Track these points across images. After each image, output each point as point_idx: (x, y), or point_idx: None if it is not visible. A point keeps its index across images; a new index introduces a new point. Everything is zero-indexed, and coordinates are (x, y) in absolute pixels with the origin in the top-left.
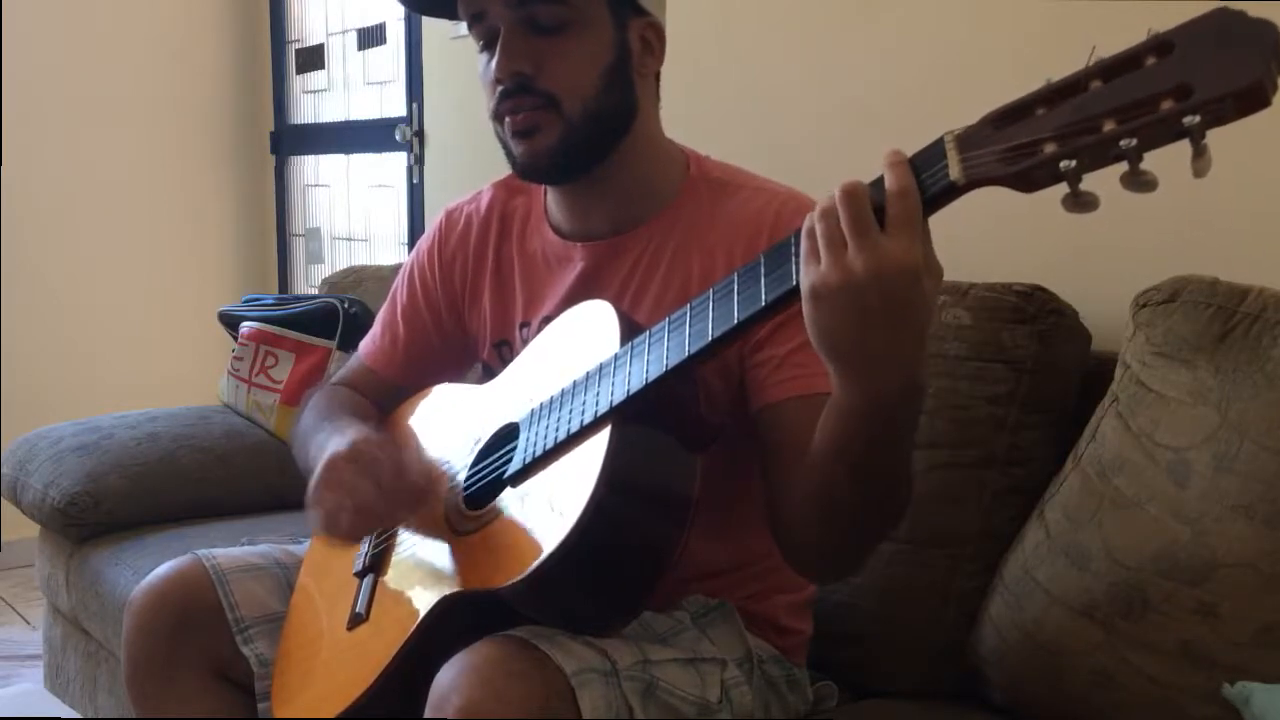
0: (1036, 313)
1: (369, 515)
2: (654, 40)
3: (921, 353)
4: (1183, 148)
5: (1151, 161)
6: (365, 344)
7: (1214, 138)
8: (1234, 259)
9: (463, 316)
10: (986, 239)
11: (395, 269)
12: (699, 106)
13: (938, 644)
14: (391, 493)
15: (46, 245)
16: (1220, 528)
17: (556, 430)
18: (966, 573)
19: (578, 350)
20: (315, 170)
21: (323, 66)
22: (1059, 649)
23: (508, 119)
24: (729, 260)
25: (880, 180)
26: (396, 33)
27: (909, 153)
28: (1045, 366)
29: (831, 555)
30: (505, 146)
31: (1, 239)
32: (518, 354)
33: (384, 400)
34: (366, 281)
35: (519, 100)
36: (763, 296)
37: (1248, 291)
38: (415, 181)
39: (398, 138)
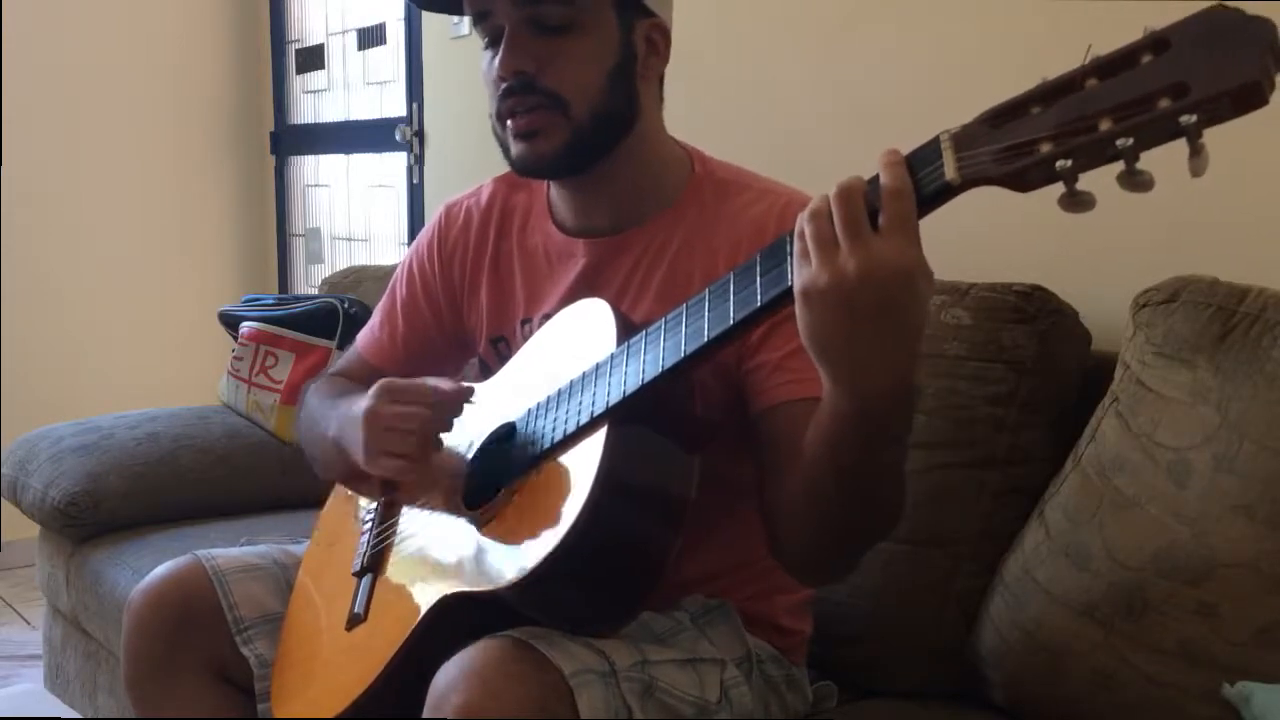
0: (1036, 313)
1: (425, 430)
2: (659, 41)
3: (915, 356)
4: (1181, 147)
5: (1149, 161)
6: (363, 336)
7: (1214, 138)
8: (1234, 259)
9: (461, 311)
10: (986, 239)
11: (395, 268)
12: (700, 105)
13: (938, 644)
14: (433, 404)
15: (46, 245)
16: (1220, 528)
17: (553, 430)
18: (966, 573)
19: (575, 349)
20: (315, 170)
21: (323, 66)
22: (1059, 649)
23: (509, 120)
24: (732, 260)
25: (876, 179)
26: (396, 33)
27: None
28: (1045, 366)
29: (822, 557)
30: (503, 145)
31: (1, 239)
32: (516, 350)
33: None
34: (366, 281)
35: (521, 99)
36: (758, 297)
37: (1248, 291)
38: (415, 181)
39: (398, 138)
